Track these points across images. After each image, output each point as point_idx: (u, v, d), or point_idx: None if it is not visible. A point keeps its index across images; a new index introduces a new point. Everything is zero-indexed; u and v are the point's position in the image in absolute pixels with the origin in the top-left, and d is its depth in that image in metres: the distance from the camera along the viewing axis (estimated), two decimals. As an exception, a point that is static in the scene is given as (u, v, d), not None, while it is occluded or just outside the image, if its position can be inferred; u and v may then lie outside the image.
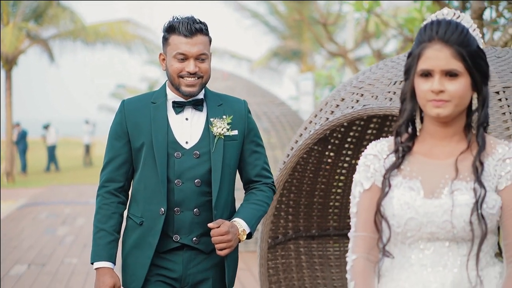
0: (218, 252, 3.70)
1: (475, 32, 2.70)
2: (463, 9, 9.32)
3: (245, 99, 4.13)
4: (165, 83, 3.90)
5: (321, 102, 5.08)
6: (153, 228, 3.80)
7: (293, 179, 5.39)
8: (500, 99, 4.22)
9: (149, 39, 28.89)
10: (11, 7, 25.89)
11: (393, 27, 12.34)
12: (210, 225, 3.69)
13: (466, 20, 2.72)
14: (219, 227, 3.66)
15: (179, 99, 3.83)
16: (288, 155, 4.97)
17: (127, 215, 3.90)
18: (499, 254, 2.81)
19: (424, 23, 2.74)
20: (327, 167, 5.62)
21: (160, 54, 3.90)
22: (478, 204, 2.59)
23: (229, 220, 3.74)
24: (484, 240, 2.62)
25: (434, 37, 2.62)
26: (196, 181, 3.76)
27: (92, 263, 3.79)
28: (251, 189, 3.93)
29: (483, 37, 7.62)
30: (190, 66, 3.74)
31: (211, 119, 3.83)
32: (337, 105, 4.77)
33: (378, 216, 2.72)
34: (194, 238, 3.79)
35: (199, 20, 3.79)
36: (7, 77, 25.68)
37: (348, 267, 2.78)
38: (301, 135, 4.99)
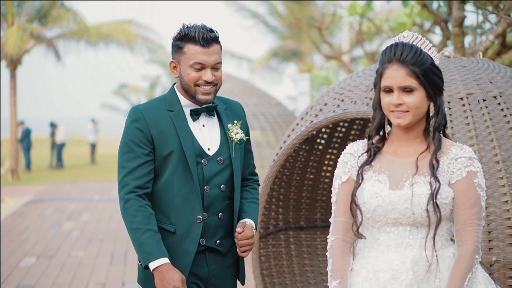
0: (241, 254, 3.90)
1: (430, 51, 3.25)
2: (449, 15, 9.75)
3: (243, 100, 4.45)
4: (173, 89, 3.95)
5: (307, 106, 5.62)
6: (188, 236, 3.84)
7: (283, 175, 5.93)
8: (463, 104, 4.76)
9: (151, 39, 29.24)
10: (15, 7, 26.13)
11: (385, 31, 12.78)
12: (239, 230, 3.84)
13: (423, 41, 3.26)
14: (243, 231, 3.86)
15: (195, 106, 3.89)
16: (277, 153, 5.51)
17: None
18: (453, 238, 3.36)
19: (386, 45, 3.31)
20: (314, 164, 6.16)
21: (172, 62, 3.91)
22: (433, 195, 3.15)
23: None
24: (439, 225, 3.17)
25: (392, 58, 3.20)
26: (221, 186, 3.87)
27: (146, 265, 3.72)
28: (245, 186, 4.06)
29: (462, 44, 8.08)
30: (208, 75, 3.80)
31: (228, 125, 3.94)
32: (321, 109, 5.32)
33: (353, 204, 3.29)
34: (217, 241, 3.90)
35: (211, 28, 3.85)
36: (12, 76, 25.87)
37: (328, 247, 3.36)
38: (289, 135, 5.54)
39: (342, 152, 3.46)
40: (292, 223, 6.18)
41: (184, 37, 3.81)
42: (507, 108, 4.73)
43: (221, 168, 3.88)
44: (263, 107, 12.35)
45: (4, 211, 16.26)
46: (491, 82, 4.89)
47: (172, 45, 3.89)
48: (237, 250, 3.91)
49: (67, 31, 27.00)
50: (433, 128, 3.26)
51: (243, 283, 4.06)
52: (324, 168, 6.22)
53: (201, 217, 3.82)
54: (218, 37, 3.84)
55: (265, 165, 11.01)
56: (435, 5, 10.62)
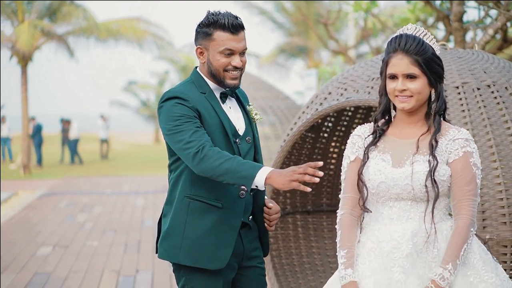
0: (270, 228, 4.16)
1: (432, 42, 3.58)
2: (451, 10, 10.02)
3: (252, 94, 4.71)
4: (198, 72, 4.08)
5: (313, 95, 5.97)
6: (233, 211, 3.98)
7: (290, 161, 6.26)
8: (459, 93, 5.09)
9: (160, 36, 29.49)
10: (25, 5, 26.36)
11: (389, 26, 13.06)
12: (271, 205, 4.11)
13: (425, 33, 3.60)
14: (274, 206, 4.13)
15: (221, 89, 4.05)
16: (285, 140, 5.85)
17: (188, 196, 3.98)
18: (451, 213, 3.69)
19: (391, 36, 3.66)
20: (320, 151, 6.49)
21: (198, 47, 4.02)
22: (431, 172, 3.49)
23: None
24: (436, 200, 3.51)
25: (397, 48, 3.55)
26: None
27: (256, 172, 3.70)
28: None
29: (463, 38, 8.39)
30: (236, 60, 3.96)
31: (248, 107, 4.17)
32: (325, 98, 5.66)
33: (359, 181, 3.63)
34: (250, 217, 4.09)
35: (236, 15, 3.99)
36: (23, 73, 26.08)
37: (337, 220, 3.72)
38: (295, 123, 5.88)
39: (351, 134, 3.81)
40: (299, 207, 6.52)
41: (214, 24, 3.94)
42: (500, 96, 5.05)
43: (249, 147, 4.10)
44: (271, 101, 12.63)
45: (19, 204, 16.63)
46: (485, 72, 5.21)
47: (199, 31, 4.01)
48: (266, 224, 4.16)
49: (77, 28, 27.17)
50: (434, 112, 3.61)
51: (266, 255, 4.28)
52: (330, 155, 6.55)
53: (244, 192, 3.98)
54: (243, 24, 4.00)
55: (273, 157, 11.31)
56: (438, 1, 10.92)
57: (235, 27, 3.94)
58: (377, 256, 3.55)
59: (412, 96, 3.54)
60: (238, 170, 3.71)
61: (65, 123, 32.73)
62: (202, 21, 4.00)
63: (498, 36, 10.83)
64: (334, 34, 27.78)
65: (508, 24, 10.40)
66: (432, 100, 3.63)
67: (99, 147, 35.91)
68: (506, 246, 4.72)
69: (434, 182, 3.50)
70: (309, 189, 3.67)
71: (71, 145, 31.99)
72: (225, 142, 3.97)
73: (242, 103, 4.20)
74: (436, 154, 3.53)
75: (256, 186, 3.73)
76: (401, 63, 3.54)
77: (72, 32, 27.36)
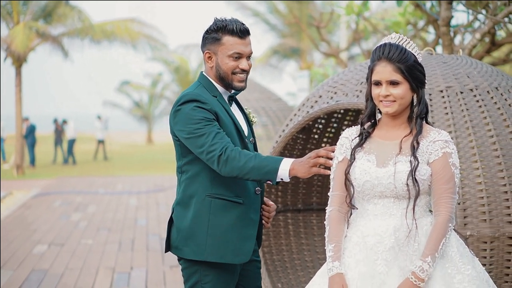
0: (267, 225, 4.40)
1: (414, 50, 3.81)
2: (440, 15, 10.25)
3: (245, 95, 4.90)
4: (205, 77, 4.27)
5: (304, 98, 6.20)
6: (251, 206, 4.21)
7: (282, 162, 6.48)
8: (443, 96, 5.33)
9: (154, 37, 29.68)
10: (21, 6, 26.47)
11: (380, 29, 13.28)
12: (270, 203, 4.36)
13: (407, 42, 3.83)
14: (272, 204, 4.40)
15: (228, 93, 4.27)
16: (277, 141, 6.08)
17: (209, 195, 4.14)
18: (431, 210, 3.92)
19: (376, 45, 3.89)
20: (311, 152, 6.72)
21: (207, 52, 4.22)
22: (412, 171, 3.71)
23: None
24: (417, 198, 3.74)
25: (381, 56, 3.79)
26: None
27: (279, 164, 3.92)
28: None
29: (450, 42, 8.63)
30: (244, 63, 4.17)
31: (246, 110, 4.40)
32: (316, 101, 5.89)
33: (346, 180, 3.85)
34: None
35: (242, 22, 4.20)
36: (17, 74, 26.20)
37: (326, 216, 3.96)
38: (287, 125, 6.11)
39: (340, 136, 4.04)
40: (290, 205, 6.76)
41: (222, 29, 4.15)
42: (482, 100, 5.30)
43: (252, 147, 4.31)
44: (263, 102, 12.83)
45: (14, 204, 16.82)
46: (468, 77, 5.45)
47: (207, 37, 4.21)
48: (264, 221, 4.40)
49: (71, 29, 27.31)
50: (416, 115, 3.84)
51: (259, 248, 4.51)
52: (320, 156, 6.78)
53: (259, 188, 4.23)
54: (249, 29, 4.21)
55: None
56: (428, 5, 11.13)
57: (243, 32, 4.15)
58: (361, 250, 3.78)
59: (395, 101, 3.77)
60: (262, 166, 3.92)
61: (58, 125, 32.87)
62: (210, 27, 4.19)
63: (484, 39, 11.08)
64: (327, 36, 28.01)
65: (497, 27, 10.66)
66: (414, 104, 3.86)
67: (95, 148, 35.99)
68: (485, 242, 4.97)
69: (415, 181, 3.72)
70: (329, 172, 3.94)
71: (68, 145, 32.15)
72: (240, 143, 4.18)
73: (242, 107, 4.41)
74: (417, 155, 3.75)
75: (282, 179, 3.95)
76: (384, 70, 3.77)
77: (67, 33, 27.48)
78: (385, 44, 3.83)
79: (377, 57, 3.81)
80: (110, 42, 28.36)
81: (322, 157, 3.94)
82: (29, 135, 29.43)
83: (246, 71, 4.20)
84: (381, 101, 3.81)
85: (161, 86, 51.27)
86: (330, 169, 3.97)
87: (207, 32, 4.21)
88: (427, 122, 3.90)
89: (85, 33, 27.24)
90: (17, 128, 26.94)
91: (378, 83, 3.81)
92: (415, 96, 3.85)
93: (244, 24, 4.18)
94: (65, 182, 22.56)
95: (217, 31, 4.16)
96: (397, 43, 3.81)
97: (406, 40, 3.82)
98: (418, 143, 3.78)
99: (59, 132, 32.80)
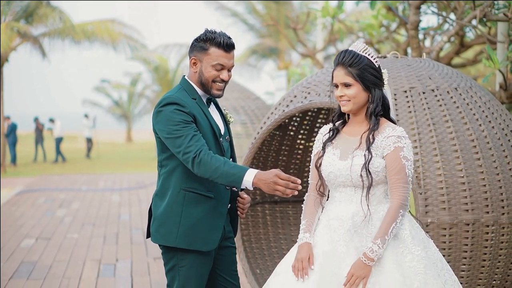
0: (242, 216, 4.81)
1: (370, 56, 4.29)
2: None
3: (224, 95, 5.20)
4: (187, 80, 4.61)
5: (281, 98, 6.70)
6: (221, 200, 4.59)
7: (260, 157, 6.98)
8: (407, 96, 5.84)
9: (134, 38, 29.98)
10: (3, 6, 26.60)
11: (355, 31, 13.75)
12: (244, 196, 4.73)
13: (365, 48, 4.31)
14: (247, 197, 4.77)
15: (206, 96, 4.63)
16: (255, 137, 6.56)
17: (184, 188, 4.51)
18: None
19: (338, 52, 4.39)
20: (287, 148, 7.24)
21: (193, 58, 4.56)
22: (366, 164, 4.20)
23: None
24: (371, 187, 4.23)
25: (337, 62, 4.31)
26: (231, 160, 4.57)
27: (243, 175, 4.27)
28: None
29: (418, 45, 9.14)
30: (225, 74, 4.54)
31: (223, 111, 4.77)
32: (291, 100, 6.39)
33: (316, 170, 4.35)
34: (229, 205, 4.69)
35: (229, 36, 4.53)
36: (-2, 73, 26.41)
37: (304, 201, 4.49)
38: (265, 122, 6.60)
39: (318, 132, 4.54)
40: (267, 197, 7.26)
41: (211, 41, 4.50)
42: (442, 99, 5.81)
43: (228, 145, 4.71)
44: (242, 101, 13.13)
45: (-1, 200, 17.15)
46: (430, 78, 5.97)
47: (195, 45, 4.56)
48: (239, 212, 4.84)
49: (52, 30, 27.57)
50: (369, 113, 4.32)
51: (235, 235, 4.93)
52: (295, 151, 7.30)
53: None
54: (234, 44, 4.57)
55: (243, 154, 11.80)
56: (401, 8, 11.58)
57: (229, 46, 4.53)
58: (327, 231, 4.30)
59: (349, 100, 4.27)
60: (230, 173, 4.29)
61: (39, 123, 33.08)
62: (200, 36, 4.56)
63: (452, 41, 11.57)
64: (304, 37, 28.43)
65: (467, 29, 11.17)
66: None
67: (85, 146, 36.07)
68: (445, 229, 5.47)
69: (368, 172, 4.20)
70: (289, 196, 4.35)
71: (55, 143, 32.40)
72: (214, 142, 4.56)
73: (219, 107, 4.84)
74: (372, 149, 4.24)
75: (246, 187, 4.36)
76: (339, 74, 4.28)
77: (48, 33, 27.71)
78: (341, 51, 4.35)
79: (335, 63, 4.33)
80: (90, 43, 28.58)
81: (281, 185, 4.25)
82: (10, 134, 29.57)
83: (225, 82, 4.56)
84: (340, 101, 4.31)
85: (141, 85, 51.48)
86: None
87: (196, 40, 4.57)
88: (389, 119, 4.36)
89: (66, 33, 27.49)
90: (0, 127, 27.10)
91: (336, 86, 4.31)
92: (369, 95, 4.30)
93: (231, 39, 4.54)
94: (48, 179, 22.86)
95: (206, 41, 4.51)
96: (355, 50, 4.30)
97: (364, 47, 4.29)
98: (374, 138, 4.24)
99: (39, 131, 32.98)
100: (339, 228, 4.26)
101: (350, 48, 4.35)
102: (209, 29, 4.58)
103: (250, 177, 4.28)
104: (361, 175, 4.21)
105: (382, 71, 4.32)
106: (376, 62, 4.31)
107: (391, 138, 4.23)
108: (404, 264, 4.12)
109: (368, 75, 4.26)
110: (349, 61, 4.25)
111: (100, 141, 40.49)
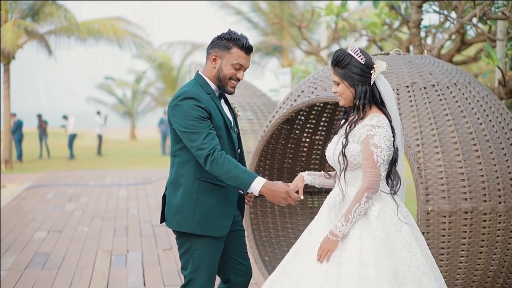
0: (248, 204, 5.17)
1: (355, 54, 4.60)
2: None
3: None
4: (201, 75, 4.88)
5: (288, 93, 7.00)
6: (231, 189, 4.87)
7: (268, 149, 7.29)
8: (408, 91, 6.14)
9: (139, 35, 30.23)
10: (9, 5, 26.87)
11: (358, 29, 13.99)
12: None
13: (355, 50, 4.62)
14: None
15: (218, 90, 4.90)
16: (264, 130, 6.87)
17: (199, 178, 4.78)
18: None
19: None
20: (294, 141, 7.55)
21: (214, 54, 4.82)
22: (343, 149, 4.60)
23: None
24: (346, 169, 4.62)
25: (330, 63, 4.65)
26: (238, 150, 4.98)
27: (250, 184, 4.60)
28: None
29: (420, 42, 9.41)
30: (241, 74, 4.85)
31: (231, 104, 5.03)
32: (299, 95, 6.70)
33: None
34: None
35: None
36: (5, 71, 26.60)
37: None
38: (273, 116, 6.91)
39: None
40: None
41: (234, 41, 4.80)
42: (443, 94, 6.11)
43: (236, 136, 4.99)
44: (248, 98, 13.31)
45: (9, 195, 17.40)
46: (430, 74, 6.27)
47: (217, 42, 4.85)
48: (246, 200, 5.16)
49: (58, 28, 27.78)
50: (352, 106, 4.67)
51: (242, 218, 5.24)
52: (302, 144, 7.61)
53: None
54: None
55: (250, 150, 12.01)
56: (403, 6, 11.82)
57: (249, 49, 4.86)
58: (324, 207, 4.78)
59: (340, 95, 4.68)
60: (239, 177, 4.60)
61: (42, 120, 33.27)
62: (224, 35, 4.85)
63: (453, 38, 11.81)
64: (308, 35, 28.66)
65: (468, 28, 11.41)
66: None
67: (96, 143, 36.24)
68: (445, 216, 5.77)
69: (344, 156, 4.58)
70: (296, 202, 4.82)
71: (68, 140, 32.69)
72: (227, 133, 4.84)
73: (228, 101, 5.12)
74: (350, 136, 4.60)
75: (252, 192, 4.66)
76: (331, 73, 4.71)
77: (54, 31, 27.93)
78: (333, 53, 4.71)
79: (331, 62, 4.71)
80: (96, 40, 28.83)
81: (286, 201, 4.73)
82: (17, 131, 29.73)
83: (239, 80, 4.88)
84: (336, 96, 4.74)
85: (145, 82, 51.67)
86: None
87: (219, 38, 4.86)
88: (380, 109, 4.65)
89: (72, 31, 27.69)
90: (6, 123, 27.27)
91: (333, 83, 4.70)
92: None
93: (249, 42, 4.86)
94: (55, 175, 23.10)
95: (229, 41, 4.81)
96: (348, 50, 4.64)
97: (351, 46, 4.63)
98: (354, 126, 4.60)
99: (42, 128, 33.21)
100: (329, 205, 4.74)
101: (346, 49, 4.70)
102: (233, 30, 4.86)
103: (258, 185, 4.61)
104: (338, 159, 4.61)
105: (376, 64, 4.62)
106: (361, 59, 4.60)
107: (366, 126, 4.57)
108: (366, 242, 4.47)
109: (350, 74, 4.62)
110: (335, 61, 4.65)
111: (105, 138, 40.72)
